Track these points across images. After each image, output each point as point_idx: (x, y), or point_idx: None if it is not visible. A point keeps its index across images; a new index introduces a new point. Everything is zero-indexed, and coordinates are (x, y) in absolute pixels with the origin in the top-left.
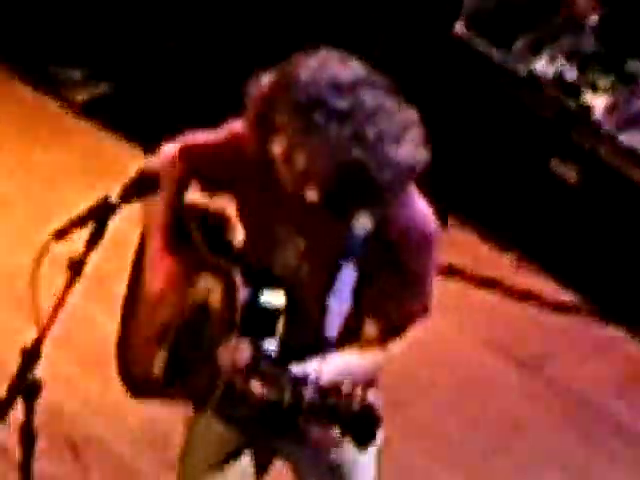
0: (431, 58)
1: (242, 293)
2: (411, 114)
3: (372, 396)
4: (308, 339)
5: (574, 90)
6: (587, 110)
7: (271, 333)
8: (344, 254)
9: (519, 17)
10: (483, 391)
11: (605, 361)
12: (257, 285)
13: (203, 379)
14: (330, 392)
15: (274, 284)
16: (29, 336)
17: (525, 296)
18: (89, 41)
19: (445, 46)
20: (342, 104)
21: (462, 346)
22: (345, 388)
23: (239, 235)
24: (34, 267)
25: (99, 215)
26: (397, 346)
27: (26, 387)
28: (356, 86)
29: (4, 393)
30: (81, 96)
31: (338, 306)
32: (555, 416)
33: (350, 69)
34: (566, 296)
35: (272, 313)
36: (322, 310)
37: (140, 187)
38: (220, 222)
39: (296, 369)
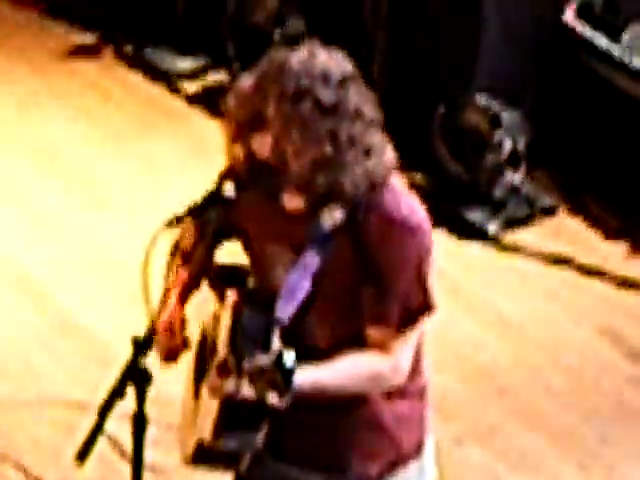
0: (543, 45)
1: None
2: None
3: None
4: None
5: None
6: None
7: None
8: (308, 241)
9: (627, 8)
10: (595, 378)
11: None
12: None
13: None
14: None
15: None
16: (141, 326)
17: (637, 286)
18: (201, 30)
19: (556, 33)
20: (329, 97)
21: (574, 333)
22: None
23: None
24: (145, 257)
25: (212, 205)
26: (401, 352)
27: (137, 375)
28: (344, 82)
29: (116, 381)
30: (193, 87)
31: (293, 287)
32: None
33: (339, 64)
34: None
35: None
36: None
37: (255, 178)
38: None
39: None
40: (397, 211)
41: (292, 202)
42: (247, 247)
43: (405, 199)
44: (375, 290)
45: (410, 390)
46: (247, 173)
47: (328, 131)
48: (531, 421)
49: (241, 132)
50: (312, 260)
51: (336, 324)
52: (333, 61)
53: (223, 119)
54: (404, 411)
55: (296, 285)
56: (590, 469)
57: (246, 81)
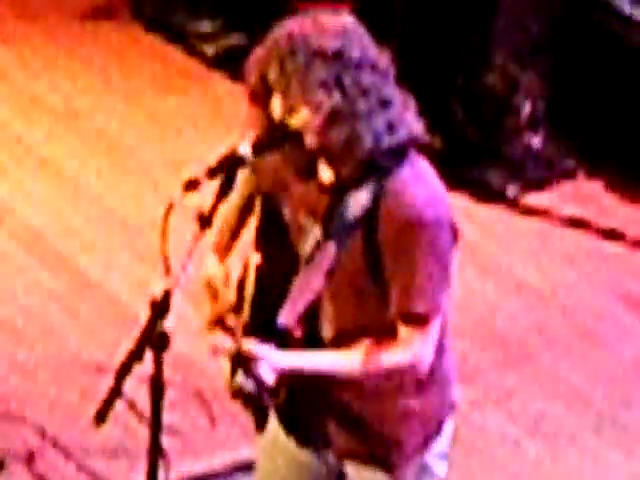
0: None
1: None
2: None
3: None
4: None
5: None
6: None
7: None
8: (329, 232)
9: None
10: (612, 343)
11: None
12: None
13: None
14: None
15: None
16: (158, 288)
17: None
18: None
19: None
20: (327, 45)
21: (592, 298)
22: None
23: None
24: (163, 219)
25: (229, 167)
26: (388, 356)
27: (155, 338)
28: (346, 32)
29: (133, 344)
30: (212, 48)
31: (302, 289)
32: None
33: (342, 20)
34: None
35: None
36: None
37: (272, 140)
38: None
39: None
40: (414, 202)
41: (325, 175)
42: (280, 212)
43: (427, 188)
44: (387, 284)
45: (437, 378)
46: (272, 140)
47: (332, 78)
48: (548, 386)
49: (257, 100)
50: (329, 256)
51: (347, 315)
52: (336, 18)
53: (243, 87)
54: (434, 401)
55: (306, 287)
56: (607, 433)
57: (255, 52)
